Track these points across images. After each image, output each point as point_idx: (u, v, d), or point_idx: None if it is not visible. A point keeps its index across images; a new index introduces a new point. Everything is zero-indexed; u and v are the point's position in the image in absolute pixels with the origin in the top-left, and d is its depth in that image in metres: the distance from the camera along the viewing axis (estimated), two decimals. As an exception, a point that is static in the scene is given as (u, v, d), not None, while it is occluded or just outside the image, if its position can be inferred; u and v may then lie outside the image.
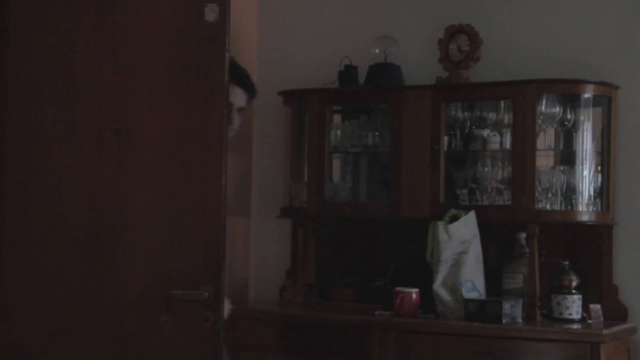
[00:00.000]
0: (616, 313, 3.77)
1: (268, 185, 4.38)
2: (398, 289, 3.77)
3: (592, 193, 3.80)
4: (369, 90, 4.06)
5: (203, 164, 2.94)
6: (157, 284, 2.90)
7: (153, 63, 2.96)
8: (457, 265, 3.72)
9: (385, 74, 4.05)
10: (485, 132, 3.90)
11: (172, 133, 2.95)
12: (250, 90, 3.33)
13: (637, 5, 3.86)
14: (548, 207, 3.75)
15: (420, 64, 4.13)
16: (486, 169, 3.90)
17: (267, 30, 4.49)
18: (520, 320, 3.62)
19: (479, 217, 3.77)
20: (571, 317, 3.69)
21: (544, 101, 3.78)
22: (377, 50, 4.10)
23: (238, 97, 3.27)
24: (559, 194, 3.79)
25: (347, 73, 4.12)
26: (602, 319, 3.71)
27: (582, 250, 3.87)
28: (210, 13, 2.91)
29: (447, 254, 3.73)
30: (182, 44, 2.95)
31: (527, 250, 3.76)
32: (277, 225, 4.31)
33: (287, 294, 4.11)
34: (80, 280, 2.95)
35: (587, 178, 3.80)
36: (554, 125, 3.83)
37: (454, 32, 4.03)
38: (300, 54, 4.38)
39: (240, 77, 3.27)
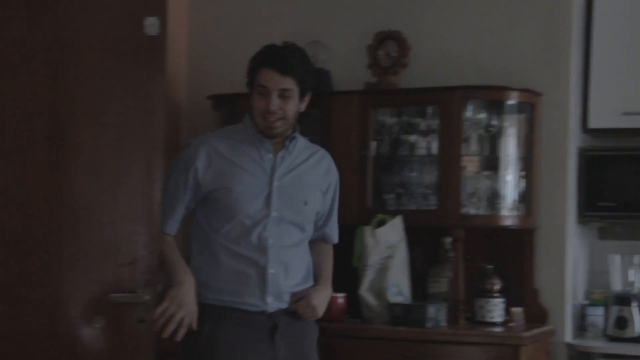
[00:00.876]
0: (537, 316, 3.87)
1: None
2: (326, 292, 3.82)
3: (515, 198, 3.89)
4: (299, 95, 4.08)
5: (140, 170, 3.00)
6: (94, 288, 2.94)
7: (90, 71, 2.97)
8: (383, 269, 3.78)
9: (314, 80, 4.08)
10: (413, 138, 3.97)
11: (109, 139, 2.98)
12: (279, 67, 3.10)
13: (559, 15, 3.95)
14: (473, 211, 3.83)
15: (349, 70, 4.17)
16: (413, 174, 3.96)
17: (197, 34, 4.48)
18: (444, 323, 3.70)
19: (405, 221, 3.83)
20: (493, 320, 3.78)
21: (470, 107, 3.85)
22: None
23: (270, 79, 3.10)
24: (484, 198, 3.87)
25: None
26: (523, 322, 3.81)
27: (505, 254, 3.96)
28: (151, 27, 2.93)
29: (374, 259, 3.78)
30: (119, 54, 2.97)
31: (452, 254, 3.84)
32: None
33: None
34: (9, 284, 2.93)
35: (510, 183, 3.89)
36: (479, 131, 3.91)
37: (382, 38, 4.09)
38: (230, 58, 4.38)
39: (266, 59, 3.14)
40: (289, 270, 3.14)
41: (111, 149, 3.00)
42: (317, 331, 3.26)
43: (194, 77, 4.46)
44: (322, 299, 3.18)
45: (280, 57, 3.12)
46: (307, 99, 3.21)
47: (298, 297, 3.15)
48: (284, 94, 3.10)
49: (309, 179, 3.21)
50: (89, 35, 2.96)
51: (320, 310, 3.18)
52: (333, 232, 3.34)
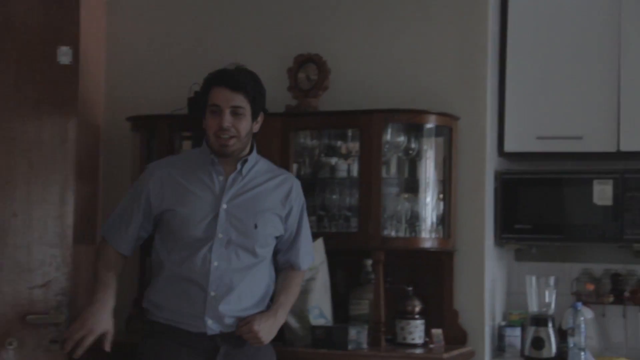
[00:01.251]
0: (456, 337, 3.90)
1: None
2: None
3: (434, 220, 3.93)
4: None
5: (54, 194, 3.17)
6: (8, 310, 3.05)
7: (4, 99, 3.12)
8: (304, 292, 3.76)
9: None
10: (334, 160, 3.98)
11: (23, 164, 3.13)
12: (230, 84, 3.15)
13: (476, 41, 4.03)
14: (393, 234, 3.85)
15: (270, 92, 4.11)
16: (334, 197, 3.96)
17: (115, 54, 4.42)
18: (365, 346, 3.69)
19: (326, 244, 3.83)
20: (414, 341, 3.80)
21: (389, 130, 3.88)
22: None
23: (221, 97, 3.13)
24: (404, 221, 3.90)
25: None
26: (443, 343, 3.84)
27: (425, 276, 3.99)
28: (64, 56, 3.03)
29: (298, 285, 3.76)
30: (34, 82, 3.12)
31: (373, 276, 3.85)
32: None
33: (133, 323, 4.04)
34: None
35: (429, 205, 3.93)
36: (399, 154, 3.94)
37: (302, 61, 4.10)
38: (149, 80, 4.34)
39: (218, 78, 3.18)
40: (236, 294, 3.12)
41: (25, 173, 3.13)
42: (272, 358, 3.26)
43: (113, 98, 4.40)
44: (267, 325, 3.15)
45: (230, 75, 3.18)
46: (260, 119, 3.25)
47: (244, 322, 3.13)
48: (236, 112, 3.13)
49: (263, 202, 3.20)
50: (2, 64, 3.09)
51: (265, 336, 3.15)
52: (299, 259, 3.33)
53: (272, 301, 3.25)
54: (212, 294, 3.09)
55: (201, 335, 3.10)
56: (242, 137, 3.16)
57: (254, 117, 3.21)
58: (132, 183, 3.29)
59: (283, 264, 3.32)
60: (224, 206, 3.13)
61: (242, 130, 3.15)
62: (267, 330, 3.15)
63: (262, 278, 3.21)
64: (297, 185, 3.33)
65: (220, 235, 3.11)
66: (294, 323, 3.74)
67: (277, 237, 3.26)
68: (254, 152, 3.27)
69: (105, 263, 3.19)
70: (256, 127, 3.24)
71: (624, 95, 3.98)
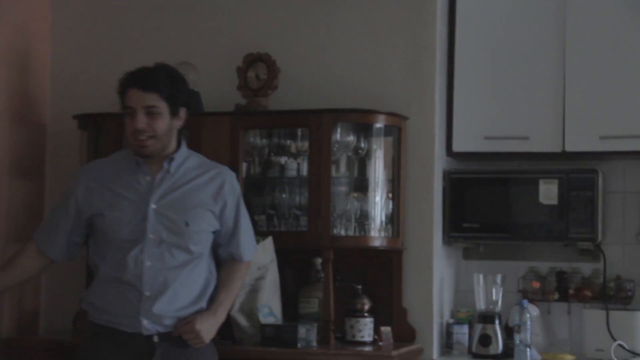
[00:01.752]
0: (405, 335, 3.92)
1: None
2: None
3: (383, 219, 3.95)
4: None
5: None
6: None
7: None
8: (254, 290, 3.76)
9: (183, 100, 4.04)
10: (283, 159, 3.97)
11: None
12: (141, 84, 3.11)
13: (424, 41, 4.06)
14: (342, 232, 3.86)
15: (219, 91, 4.15)
16: (284, 195, 3.96)
17: (60, 52, 4.37)
18: (315, 344, 3.69)
19: (276, 242, 3.82)
20: (363, 339, 3.81)
21: (339, 130, 3.89)
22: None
23: (134, 98, 3.09)
24: (353, 220, 3.91)
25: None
26: (392, 340, 3.86)
27: (375, 274, 4.00)
28: None
29: (245, 280, 3.74)
30: None
31: (323, 275, 3.85)
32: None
33: (80, 322, 3.99)
34: None
35: (379, 205, 3.95)
36: (349, 154, 3.96)
37: (252, 60, 4.09)
38: (96, 77, 4.29)
39: (130, 79, 3.14)
40: (171, 292, 3.09)
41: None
42: (213, 357, 3.23)
43: (58, 96, 4.34)
44: (207, 324, 3.12)
45: (142, 75, 3.13)
46: (182, 115, 3.20)
47: (184, 322, 3.10)
48: (150, 112, 3.09)
49: (193, 199, 3.16)
50: None
51: (205, 335, 3.12)
52: (241, 250, 3.29)
53: (213, 298, 3.22)
54: (147, 293, 3.06)
55: (137, 336, 3.07)
56: (159, 136, 3.11)
57: (173, 114, 3.15)
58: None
59: (225, 257, 3.28)
60: (153, 206, 3.10)
61: (158, 129, 3.11)
62: (207, 329, 3.12)
63: (199, 274, 3.17)
64: (230, 179, 3.27)
65: (151, 236, 3.08)
66: (243, 322, 3.73)
67: (214, 232, 3.22)
68: (182, 149, 3.22)
69: (8, 259, 3.23)
70: (178, 124, 3.19)
71: (569, 96, 4.04)
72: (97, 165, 3.28)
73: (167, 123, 3.13)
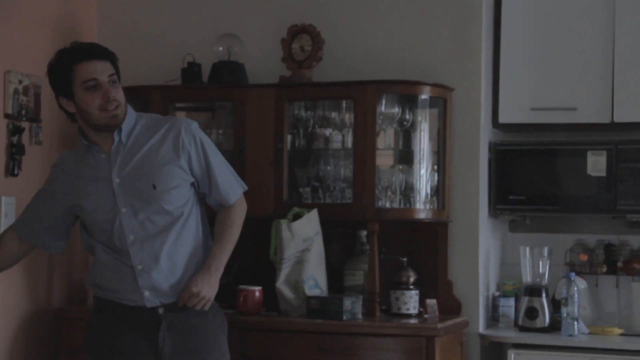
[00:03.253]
0: (451, 307, 3.92)
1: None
2: (241, 287, 3.79)
3: (429, 191, 3.93)
4: (212, 87, 4.05)
5: None
6: None
7: None
8: (299, 262, 3.77)
9: (228, 72, 4.05)
10: (328, 131, 3.97)
11: None
12: (97, 54, 3.05)
13: (470, 12, 4.02)
14: (387, 205, 3.86)
15: (263, 63, 4.15)
16: (328, 168, 3.96)
17: (107, 25, 4.38)
18: (360, 316, 3.70)
19: (321, 215, 3.82)
20: (409, 312, 3.81)
21: (384, 101, 3.87)
22: (220, 48, 4.10)
23: (96, 69, 3.02)
24: (398, 192, 3.89)
25: (190, 70, 4.09)
26: (437, 313, 3.85)
27: (420, 247, 3.99)
28: None
29: (290, 252, 3.76)
30: None
31: (368, 247, 3.85)
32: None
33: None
34: None
35: (424, 177, 3.93)
36: (393, 125, 3.94)
37: (296, 32, 4.07)
38: (142, 51, 4.31)
39: (81, 53, 3.05)
40: (165, 259, 3.05)
41: None
42: (222, 324, 3.18)
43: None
44: (204, 282, 3.05)
45: (91, 47, 3.09)
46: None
47: (182, 290, 3.07)
48: (112, 79, 3.04)
49: (155, 160, 3.08)
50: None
51: (207, 294, 3.05)
52: (224, 195, 3.17)
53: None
54: (140, 267, 3.04)
55: (140, 309, 3.05)
56: (123, 104, 3.07)
57: (120, 82, 3.11)
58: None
59: (215, 207, 3.21)
60: (116, 180, 3.06)
61: (121, 97, 3.07)
62: (207, 288, 3.06)
63: (188, 235, 3.10)
64: (186, 127, 3.11)
65: (123, 210, 3.05)
66: (289, 293, 3.74)
67: (193, 185, 3.14)
68: (129, 116, 3.11)
69: None
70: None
71: (618, 66, 3.98)
72: (63, 159, 3.22)
73: (122, 90, 3.09)
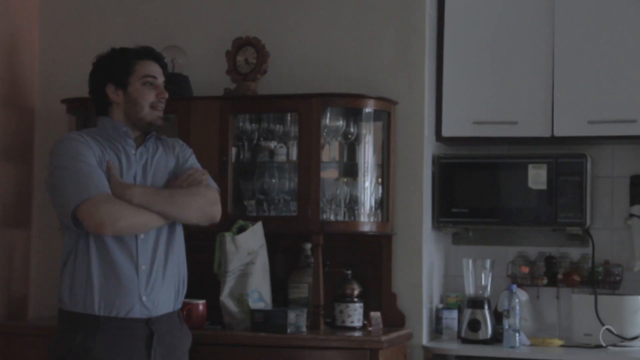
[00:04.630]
0: (394, 320, 3.94)
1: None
2: (185, 300, 3.74)
3: (373, 204, 3.95)
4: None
5: None
6: None
7: None
8: (244, 275, 3.75)
9: (172, 85, 4.00)
10: (273, 144, 3.96)
11: None
12: (160, 60, 3.20)
13: (413, 26, 4.05)
14: (332, 217, 3.86)
15: (208, 75, 4.13)
16: (273, 181, 3.95)
17: (49, 36, 4.34)
18: (304, 329, 3.69)
19: (266, 228, 3.82)
20: (353, 324, 3.82)
21: (328, 114, 3.89)
22: (164, 60, 4.07)
23: (156, 70, 3.16)
24: (343, 205, 3.91)
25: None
26: (381, 325, 3.87)
27: (364, 259, 4.01)
28: None
29: (235, 265, 3.75)
30: None
31: (312, 260, 3.85)
32: (59, 237, 4.14)
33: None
34: None
35: (368, 190, 3.95)
36: (338, 138, 3.95)
37: (241, 44, 4.07)
38: (84, 61, 4.22)
39: (147, 52, 3.17)
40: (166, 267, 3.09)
41: None
42: (190, 340, 3.20)
43: (47, 80, 4.33)
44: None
45: (156, 51, 3.22)
46: None
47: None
48: (164, 86, 3.18)
49: (164, 176, 3.18)
50: None
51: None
52: None
53: None
54: (143, 267, 3.02)
55: (135, 321, 3.02)
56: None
57: None
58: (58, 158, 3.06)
59: None
60: (138, 178, 3.08)
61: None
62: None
63: (179, 241, 3.17)
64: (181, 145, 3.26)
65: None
66: (233, 307, 3.73)
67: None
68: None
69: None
70: None
71: (558, 81, 4.04)
72: (89, 134, 3.12)
73: None
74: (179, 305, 3.14)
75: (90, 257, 2.99)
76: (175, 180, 3.12)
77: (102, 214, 2.93)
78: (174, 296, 3.10)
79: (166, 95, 3.16)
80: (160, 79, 3.17)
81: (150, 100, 3.12)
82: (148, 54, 3.18)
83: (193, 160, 3.24)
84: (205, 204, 3.10)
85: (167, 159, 3.17)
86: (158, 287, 3.04)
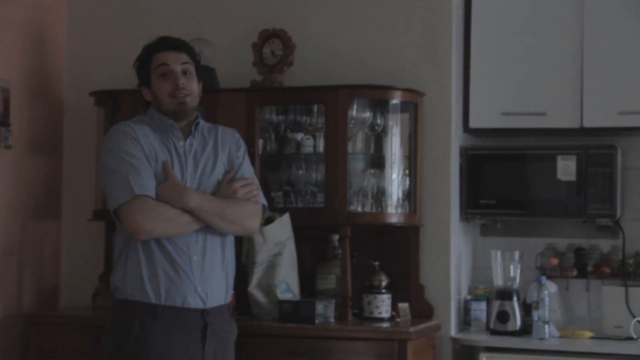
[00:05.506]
0: (422, 311, 3.92)
1: (80, 187, 4.26)
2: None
3: (400, 196, 3.94)
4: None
5: None
6: None
7: None
8: (271, 267, 3.76)
9: (199, 77, 4.02)
10: (299, 136, 3.96)
11: None
12: (173, 45, 3.15)
13: (440, 17, 4.04)
14: (359, 209, 3.85)
15: (234, 68, 4.14)
16: (300, 172, 3.95)
17: (77, 28, 4.36)
18: (332, 320, 3.69)
19: (293, 219, 3.82)
20: (381, 315, 3.81)
21: (355, 106, 3.88)
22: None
23: (169, 57, 3.12)
24: (370, 196, 3.90)
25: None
26: (409, 317, 3.85)
27: (392, 251, 4.00)
28: None
29: (262, 256, 3.75)
30: None
31: (340, 251, 3.85)
32: (89, 228, 4.20)
33: (100, 298, 4.01)
34: None
35: (395, 181, 3.94)
36: (365, 130, 3.94)
37: (267, 36, 4.07)
38: (113, 54, 4.28)
39: (159, 44, 3.16)
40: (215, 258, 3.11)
41: None
42: (236, 333, 3.22)
43: (75, 72, 4.35)
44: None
45: (170, 39, 3.19)
46: (200, 85, 3.21)
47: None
48: (185, 70, 3.12)
49: (214, 167, 3.17)
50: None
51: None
52: None
53: None
54: (195, 258, 3.05)
55: (190, 311, 3.05)
56: (195, 95, 3.15)
57: (198, 78, 3.19)
58: (105, 149, 3.08)
59: None
60: (188, 171, 3.10)
61: (194, 88, 3.14)
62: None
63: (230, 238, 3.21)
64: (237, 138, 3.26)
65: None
66: (261, 298, 3.73)
67: None
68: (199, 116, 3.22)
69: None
70: (199, 91, 3.22)
71: (587, 71, 4.01)
72: (138, 126, 3.11)
73: (197, 85, 3.17)
74: (229, 299, 3.16)
75: (144, 247, 3.01)
76: (230, 187, 3.10)
77: (139, 221, 2.97)
78: (225, 289, 3.12)
79: (180, 81, 3.08)
80: (176, 64, 3.11)
81: (167, 90, 3.10)
82: (161, 44, 3.16)
83: (247, 163, 3.21)
84: (249, 219, 3.15)
85: (218, 153, 3.16)
86: (211, 278, 3.06)
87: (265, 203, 3.23)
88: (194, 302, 3.02)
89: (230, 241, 3.18)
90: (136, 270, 3.02)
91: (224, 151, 3.18)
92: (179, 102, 3.10)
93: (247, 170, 3.21)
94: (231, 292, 3.18)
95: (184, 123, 3.14)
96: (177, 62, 3.12)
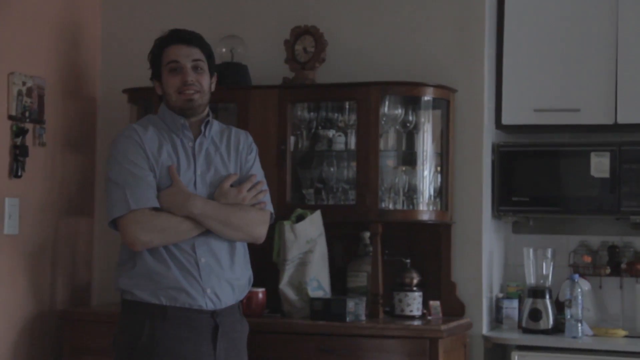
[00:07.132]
0: (454, 309, 3.91)
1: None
2: (244, 288, 3.78)
3: (432, 193, 3.93)
4: (216, 89, 4.01)
5: None
6: None
7: None
8: (303, 264, 3.77)
9: (231, 74, 4.05)
10: (331, 133, 3.96)
11: None
12: (185, 39, 3.07)
13: (473, 13, 4.02)
14: (391, 206, 3.85)
15: (266, 64, 4.15)
16: (332, 169, 3.95)
17: (111, 26, 4.39)
18: (363, 317, 3.69)
19: (324, 216, 3.82)
20: (412, 313, 3.81)
21: (387, 103, 3.87)
22: (223, 50, 4.09)
23: (180, 53, 3.06)
24: (401, 193, 3.89)
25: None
26: (441, 315, 3.85)
27: (423, 248, 3.99)
28: None
29: (293, 253, 3.76)
30: None
31: (371, 249, 3.85)
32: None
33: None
34: None
35: (427, 178, 3.93)
36: (397, 127, 3.93)
37: (299, 33, 4.07)
38: (145, 52, 4.26)
39: (169, 37, 3.10)
40: (223, 258, 3.07)
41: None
42: (247, 330, 3.18)
43: (109, 70, 4.38)
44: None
45: (182, 32, 3.12)
46: (214, 79, 3.16)
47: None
48: (196, 65, 3.06)
49: (226, 167, 3.13)
50: None
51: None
52: None
53: None
54: (203, 260, 3.01)
55: (200, 312, 3.02)
56: (205, 92, 3.08)
57: (211, 74, 3.12)
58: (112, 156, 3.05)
59: None
60: (198, 172, 3.06)
61: (205, 84, 3.08)
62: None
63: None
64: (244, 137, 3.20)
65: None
66: (292, 295, 3.74)
67: None
68: (210, 113, 3.16)
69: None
70: (212, 87, 3.16)
71: (622, 67, 3.97)
72: (143, 128, 3.08)
73: (209, 81, 3.11)
74: (240, 297, 3.12)
75: (151, 250, 2.98)
76: (239, 193, 3.06)
77: (135, 234, 2.95)
78: (234, 289, 3.07)
79: (189, 77, 3.03)
80: (187, 60, 3.04)
81: (175, 86, 3.04)
82: (172, 38, 3.08)
83: (257, 167, 3.17)
84: (255, 226, 3.09)
85: (230, 154, 3.12)
86: (220, 279, 3.02)
87: (272, 210, 3.16)
88: (205, 304, 2.99)
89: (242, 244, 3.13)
90: (145, 273, 2.99)
91: (236, 153, 3.13)
92: (186, 99, 3.04)
93: (258, 174, 3.17)
94: (244, 290, 3.12)
95: (194, 119, 3.09)
96: (188, 57, 3.05)
